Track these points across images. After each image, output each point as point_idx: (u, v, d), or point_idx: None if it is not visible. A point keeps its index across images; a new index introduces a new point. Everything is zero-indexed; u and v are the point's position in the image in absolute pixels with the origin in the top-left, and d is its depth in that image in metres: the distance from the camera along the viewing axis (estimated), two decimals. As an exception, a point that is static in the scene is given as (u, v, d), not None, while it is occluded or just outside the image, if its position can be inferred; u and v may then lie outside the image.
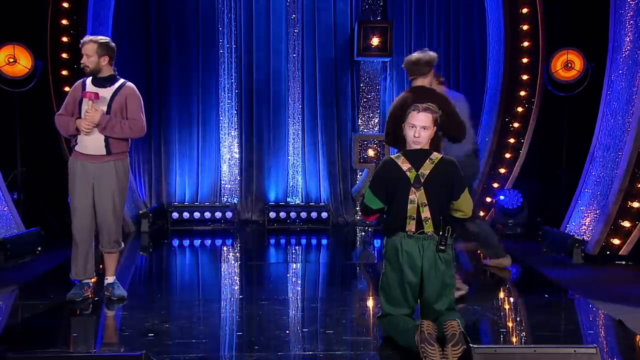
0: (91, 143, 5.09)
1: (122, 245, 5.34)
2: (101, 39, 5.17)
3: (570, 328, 4.92)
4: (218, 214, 9.07)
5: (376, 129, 9.78)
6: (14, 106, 7.79)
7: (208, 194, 9.59)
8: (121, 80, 5.19)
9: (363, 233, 9.02)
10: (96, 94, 5.04)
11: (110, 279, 5.29)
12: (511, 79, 8.79)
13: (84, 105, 5.07)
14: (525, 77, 8.78)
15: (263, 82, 9.61)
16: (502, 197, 8.53)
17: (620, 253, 6.83)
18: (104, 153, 5.09)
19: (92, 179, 5.11)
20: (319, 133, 9.73)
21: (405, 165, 4.21)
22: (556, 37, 8.57)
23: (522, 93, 8.79)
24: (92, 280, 5.33)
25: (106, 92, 5.10)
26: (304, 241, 8.46)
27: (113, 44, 5.19)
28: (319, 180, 9.72)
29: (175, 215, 9.05)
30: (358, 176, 9.82)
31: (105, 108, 5.06)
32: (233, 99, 9.61)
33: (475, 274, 6.80)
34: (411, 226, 4.16)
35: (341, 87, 9.77)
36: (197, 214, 9.08)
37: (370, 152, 9.39)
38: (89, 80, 5.17)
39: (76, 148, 5.17)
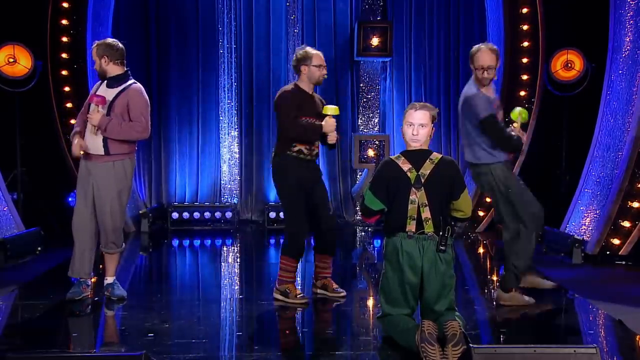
0: (92, 143, 5.11)
1: (122, 246, 5.32)
2: (99, 41, 5.23)
3: (570, 328, 4.92)
4: (218, 214, 9.07)
5: (376, 129, 9.78)
6: (14, 106, 7.80)
7: (208, 194, 9.59)
8: (129, 82, 5.17)
9: (363, 233, 9.02)
10: (103, 99, 5.05)
11: (109, 279, 5.29)
12: (511, 79, 8.79)
13: (92, 107, 5.11)
14: (525, 77, 8.78)
15: (263, 82, 9.61)
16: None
17: (620, 253, 6.83)
18: (102, 153, 5.09)
19: (92, 178, 5.13)
20: (319, 133, 9.71)
21: (405, 166, 4.21)
22: (556, 37, 8.57)
23: (522, 93, 8.79)
24: (92, 280, 5.34)
25: (110, 94, 5.11)
26: (304, 241, 8.45)
27: (112, 43, 5.16)
28: (319, 180, 9.71)
29: (175, 215, 9.04)
30: (358, 176, 9.82)
31: (105, 110, 5.07)
32: (233, 99, 9.61)
33: (475, 274, 6.82)
34: (411, 226, 4.16)
35: (341, 87, 9.77)
36: (197, 214, 9.07)
37: (370, 152, 9.38)
38: (105, 82, 5.19)
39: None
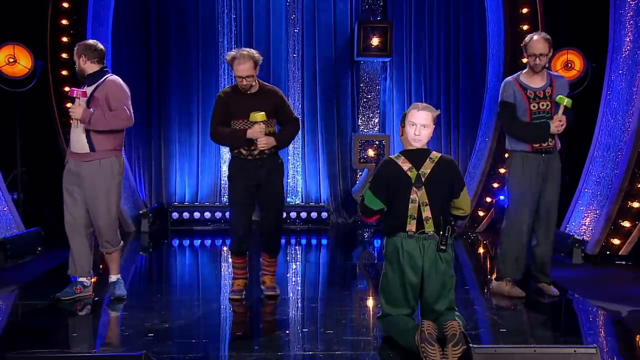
0: (76, 141, 5.13)
1: (120, 244, 5.32)
2: (79, 43, 5.31)
3: (570, 328, 4.92)
4: (218, 214, 9.07)
5: (376, 129, 9.79)
6: (14, 106, 7.80)
7: (208, 194, 9.59)
8: (105, 76, 5.18)
9: (363, 233, 9.02)
10: (84, 92, 5.08)
11: (113, 277, 5.33)
12: (511, 79, 8.78)
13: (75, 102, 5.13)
14: (525, 77, 8.76)
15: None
16: (502, 197, 8.53)
17: (620, 253, 6.83)
18: (88, 151, 5.09)
19: (81, 178, 5.13)
20: (319, 133, 9.74)
21: (405, 165, 4.21)
22: (556, 37, 8.52)
23: (523, 93, 8.77)
24: (92, 280, 5.34)
25: (89, 91, 5.14)
26: (304, 241, 8.45)
27: (91, 44, 5.21)
28: (319, 180, 9.72)
29: (175, 215, 9.04)
30: (358, 176, 9.82)
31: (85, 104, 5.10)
32: (233, 99, 9.60)
33: (475, 274, 6.82)
34: (412, 226, 4.16)
35: (341, 87, 9.77)
36: (197, 214, 9.07)
37: (370, 152, 9.38)
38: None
39: (70, 146, 5.24)
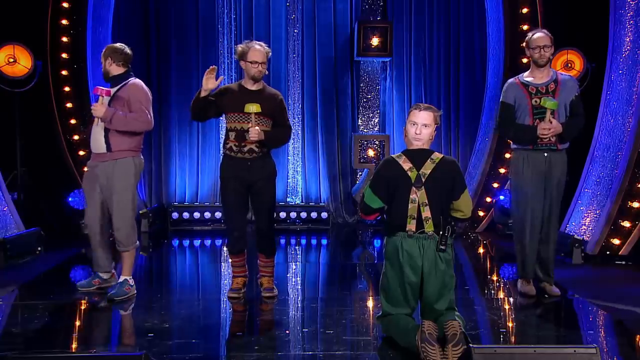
0: (95, 140, 5.25)
1: (131, 246, 5.33)
2: (108, 45, 5.46)
3: (570, 328, 4.92)
4: (218, 214, 9.07)
5: (376, 129, 9.79)
6: (14, 106, 7.80)
7: (208, 194, 9.60)
8: (130, 79, 5.29)
9: (363, 233, 9.02)
10: (108, 91, 5.19)
11: (121, 277, 5.37)
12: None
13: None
14: (525, 77, 8.76)
15: (263, 82, 9.60)
16: (502, 197, 8.53)
17: (620, 253, 6.83)
18: (104, 151, 5.19)
19: (97, 177, 5.24)
20: (319, 133, 9.74)
21: (406, 165, 4.21)
22: (556, 37, 8.52)
23: (523, 93, 8.77)
24: (112, 273, 5.53)
25: (112, 90, 5.25)
26: (304, 241, 8.45)
27: (118, 47, 5.31)
28: (319, 180, 9.72)
29: (175, 215, 9.05)
30: (358, 176, 9.82)
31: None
32: (233, 99, 9.60)
33: (475, 274, 6.82)
34: (411, 226, 4.16)
35: (341, 87, 9.77)
36: (197, 214, 9.08)
37: (370, 152, 9.39)
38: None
39: (90, 146, 5.37)
